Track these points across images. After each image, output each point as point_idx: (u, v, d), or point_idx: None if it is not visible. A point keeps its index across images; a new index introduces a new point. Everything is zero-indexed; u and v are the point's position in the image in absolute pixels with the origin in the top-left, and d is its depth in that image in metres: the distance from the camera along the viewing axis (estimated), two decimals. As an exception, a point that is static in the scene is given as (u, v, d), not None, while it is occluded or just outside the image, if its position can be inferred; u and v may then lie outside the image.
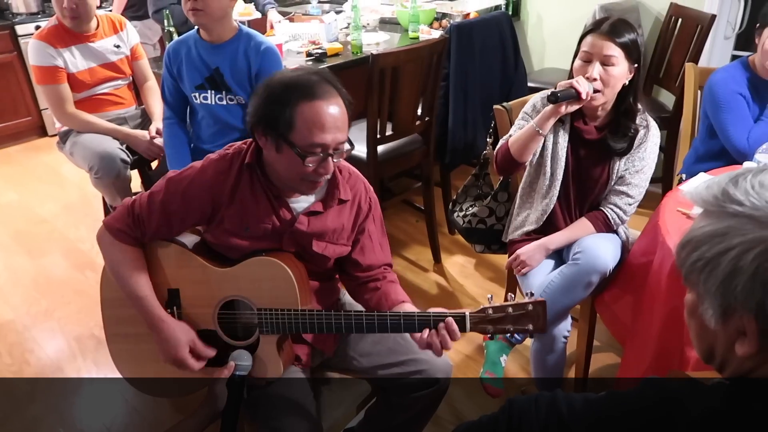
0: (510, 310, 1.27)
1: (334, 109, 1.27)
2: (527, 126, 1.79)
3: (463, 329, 1.29)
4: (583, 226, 1.85)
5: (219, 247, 1.44)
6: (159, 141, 2.56)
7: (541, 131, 1.75)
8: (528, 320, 1.27)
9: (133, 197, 1.42)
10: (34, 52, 2.46)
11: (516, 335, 1.78)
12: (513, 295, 1.32)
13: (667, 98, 3.14)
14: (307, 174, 1.30)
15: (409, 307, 1.43)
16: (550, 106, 1.72)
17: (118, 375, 1.52)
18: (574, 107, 1.72)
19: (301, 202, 1.42)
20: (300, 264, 1.43)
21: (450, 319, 1.28)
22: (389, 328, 1.33)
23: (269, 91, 1.29)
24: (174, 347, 1.37)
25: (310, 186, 1.35)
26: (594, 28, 1.72)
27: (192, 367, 1.38)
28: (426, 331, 1.29)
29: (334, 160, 1.31)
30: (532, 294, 1.29)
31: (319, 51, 2.85)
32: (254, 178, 1.37)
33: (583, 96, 1.67)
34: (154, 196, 1.39)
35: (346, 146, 1.32)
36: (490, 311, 1.28)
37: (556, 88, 1.72)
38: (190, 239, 1.48)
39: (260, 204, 1.38)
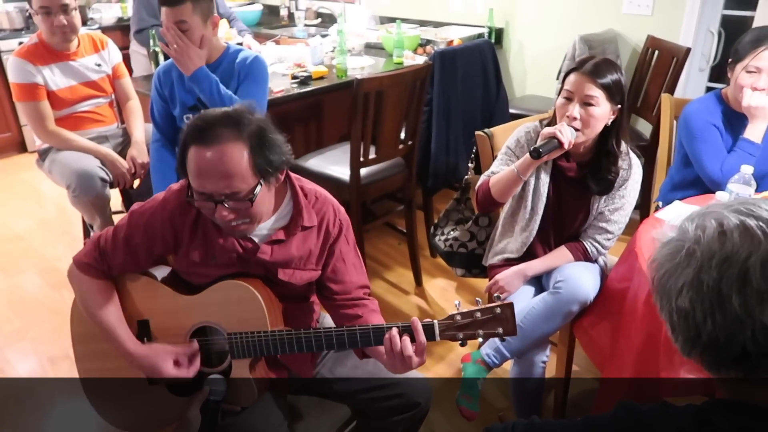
0: (478, 314, 1.27)
1: (215, 156, 1.20)
2: (508, 170, 1.79)
3: (432, 338, 1.29)
4: (561, 254, 1.87)
5: (187, 275, 1.43)
6: (138, 166, 2.57)
7: (522, 177, 1.76)
8: (497, 323, 1.27)
9: (101, 233, 1.41)
10: (13, 69, 2.45)
11: (493, 359, 1.78)
12: (480, 300, 1.33)
13: (644, 127, 3.21)
14: (213, 218, 1.28)
15: None
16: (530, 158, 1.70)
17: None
18: (556, 155, 1.73)
19: (263, 231, 1.39)
20: (268, 288, 1.41)
21: (415, 320, 1.28)
22: (359, 342, 1.33)
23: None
24: (158, 371, 1.35)
25: (228, 230, 1.32)
26: (578, 66, 1.73)
27: (186, 376, 1.36)
28: (388, 337, 1.28)
29: (227, 205, 1.24)
30: (499, 297, 1.30)
31: (305, 74, 2.87)
32: None
33: (566, 146, 1.68)
34: (118, 230, 1.40)
35: (241, 196, 1.24)
36: (458, 317, 1.28)
37: (540, 138, 1.72)
38: (159, 271, 1.48)
39: (222, 233, 1.36)
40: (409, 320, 1.30)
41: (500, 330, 1.27)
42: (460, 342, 1.30)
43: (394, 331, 1.28)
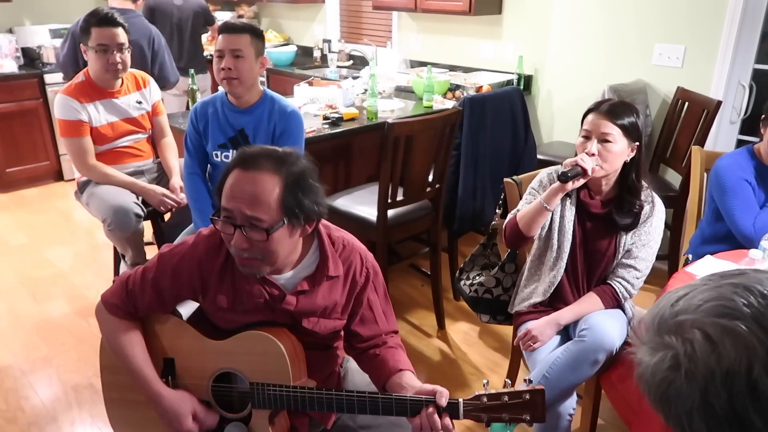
0: (506, 398, 1.22)
1: (249, 180, 1.24)
2: (535, 201, 1.84)
3: (455, 416, 1.25)
4: (591, 301, 1.86)
5: (214, 318, 1.44)
6: (181, 197, 2.65)
7: (548, 207, 1.80)
8: (524, 410, 1.22)
9: (129, 273, 1.43)
10: (60, 106, 2.55)
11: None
12: (510, 381, 1.28)
13: (673, 177, 3.19)
14: (229, 246, 1.28)
15: (408, 377, 1.39)
16: (558, 183, 1.77)
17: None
18: (580, 182, 1.78)
19: (290, 279, 1.39)
20: (294, 338, 1.41)
21: (433, 411, 1.24)
22: (380, 411, 1.30)
23: None
24: (176, 419, 1.35)
25: (239, 263, 1.31)
26: (594, 108, 1.81)
27: None
28: (417, 424, 1.25)
29: (244, 233, 1.24)
30: (530, 381, 1.25)
31: (336, 115, 2.94)
32: None
33: (589, 172, 1.74)
34: (146, 272, 1.40)
35: (260, 228, 1.23)
36: (485, 399, 1.23)
37: (563, 167, 1.78)
38: (188, 308, 1.49)
39: (249, 280, 1.37)
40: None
41: (527, 417, 1.22)
42: (484, 423, 1.25)
43: (432, 409, 1.24)
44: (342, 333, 1.53)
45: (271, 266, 1.32)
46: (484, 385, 1.26)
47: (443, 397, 1.25)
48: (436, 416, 1.24)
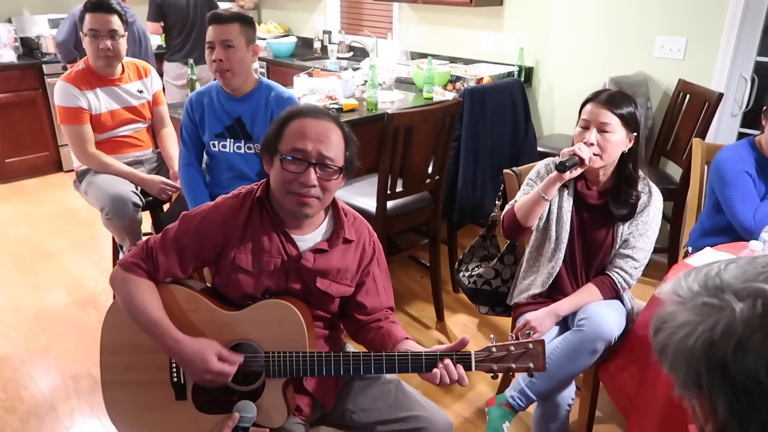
0: (512, 348, 1.34)
1: (320, 124, 1.38)
2: (532, 192, 1.84)
3: (468, 368, 1.34)
4: (590, 291, 1.86)
5: (227, 288, 1.45)
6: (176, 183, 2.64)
7: (546, 197, 1.80)
8: (528, 359, 1.33)
9: (149, 237, 1.45)
10: (59, 93, 2.54)
11: (519, 402, 1.75)
12: (513, 335, 1.38)
13: (674, 170, 3.19)
14: (291, 185, 1.35)
15: (412, 344, 1.45)
16: (555, 173, 1.77)
17: (109, 422, 1.49)
18: (578, 172, 1.78)
19: (308, 241, 1.46)
20: (307, 309, 1.45)
21: (449, 362, 1.33)
22: (397, 368, 1.36)
23: (276, 119, 1.45)
24: (202, 360, 1.33)
25: (298, 202, 1.37)
26: (593, 97, 1.81)
27: (228, 373, 1.34)
28: (437, 373, 1.33)
29: (317, 173, 1.35)
30: (530, 334, 1.33)
31: (336, 106, 2.93)
32: (264, 212, 1.44)
33: (587, 162, 1.74)
34: (168, 232, 1.44)
35: (333, 168, 1.37)
36: (494, 349, 1.34)
37: (560, 157, 1.78)
38: (199, 286, 1.49)
39: (270, 238, 1.43)
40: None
41: (531, 365, 1.33)
42: (492, 375, 1.35)
43: (448, 361, 1.33)
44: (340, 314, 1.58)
45: (322, 208, 1.44)
46: (491, 339, 1.36)
47: (454, 354, 1.34)
48: (452, 366, 1.33)
